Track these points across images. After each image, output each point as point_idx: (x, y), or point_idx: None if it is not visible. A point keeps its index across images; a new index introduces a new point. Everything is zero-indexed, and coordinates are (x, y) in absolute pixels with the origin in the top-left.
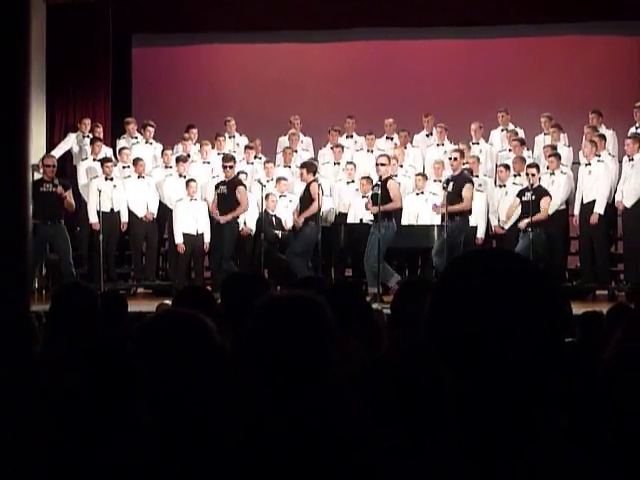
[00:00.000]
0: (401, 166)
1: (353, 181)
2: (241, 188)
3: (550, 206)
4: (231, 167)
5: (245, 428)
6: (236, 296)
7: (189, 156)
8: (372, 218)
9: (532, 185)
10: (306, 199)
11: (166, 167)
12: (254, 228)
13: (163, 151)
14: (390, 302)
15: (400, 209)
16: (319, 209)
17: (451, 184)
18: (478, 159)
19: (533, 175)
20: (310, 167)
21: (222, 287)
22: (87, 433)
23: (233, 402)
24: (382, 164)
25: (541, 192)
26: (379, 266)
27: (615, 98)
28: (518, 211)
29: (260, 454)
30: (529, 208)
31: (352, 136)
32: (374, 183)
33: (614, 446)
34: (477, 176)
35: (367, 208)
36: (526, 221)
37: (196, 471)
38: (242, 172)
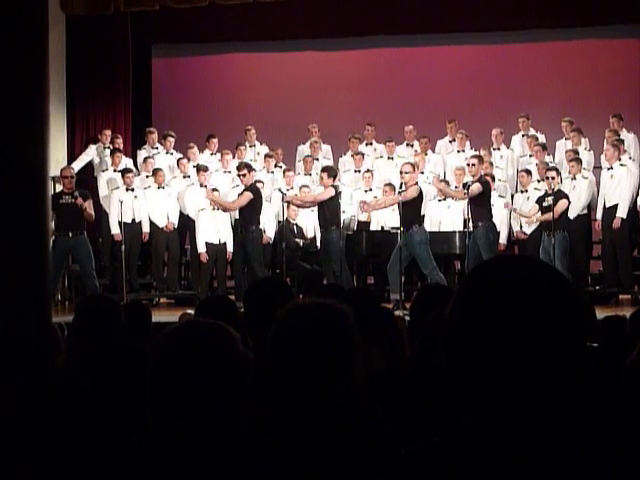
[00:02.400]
0: (422, 173)
1: (371, 189)
2: (246, 192)
3: (570, 210)
4: (244, 175)
5: (266, 436)
6: (259, 303)
7: (200, 166)
8: (395, 226)
9: (553, 190)
10: (324, 203)
11: (184, 177)
12: (272, 237)
13: (179, 161)
14: (409, 308)
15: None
16: (337, 215)
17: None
18: (491, 163)
19: (553, 179)
20: (331, 171)
21: (245, 294)
22: (107, 440)
23: (256, 411)
24: (406, 172)
25: (560, 196)
26: (400, 272)
27: (635, 102)
28: (538, 217)
29: (280, 462)
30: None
31: (372, 143)
32: (397, 190)
33: (636, 452)
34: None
35: (362, 210)
36: (540, 217)
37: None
38: (259, 181)
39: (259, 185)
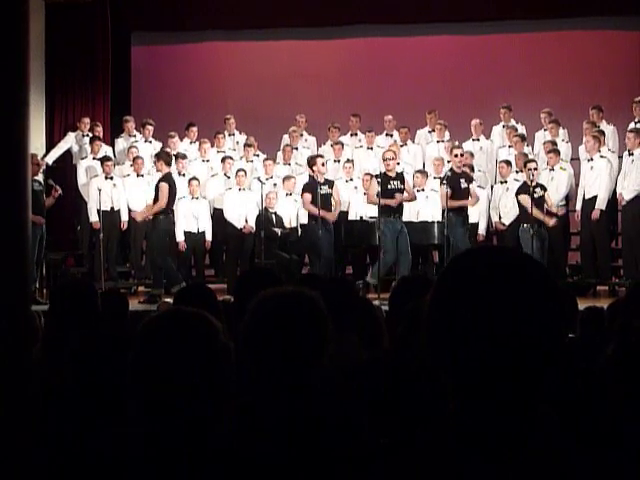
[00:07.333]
0: (398, 163)
1: (352, 179)
2: (161, 184)
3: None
4: (154, 163)
5: (245, 426)
6: (251, 292)
7: (179, 154)
8: (373, 215)
9: (535, 180)
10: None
11: None
12: (254, 226)
13: (162, 149)
14: (388, 298)
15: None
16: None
17: (462, 181)
18: (471, 154)
19: (535, 169)
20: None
21: (236, 283)
22: (85, 430)
23: (237, 401)
24: (392, 159)
25: (543, 189)
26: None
27: (615, 93)
28: (515, 210)
29: (258, 452)
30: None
31: (357, 134)
32: (375, 176)
33: (613, 445)
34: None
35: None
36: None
37: (196, 471)
38: (241, 169)
39: (241, 174)
